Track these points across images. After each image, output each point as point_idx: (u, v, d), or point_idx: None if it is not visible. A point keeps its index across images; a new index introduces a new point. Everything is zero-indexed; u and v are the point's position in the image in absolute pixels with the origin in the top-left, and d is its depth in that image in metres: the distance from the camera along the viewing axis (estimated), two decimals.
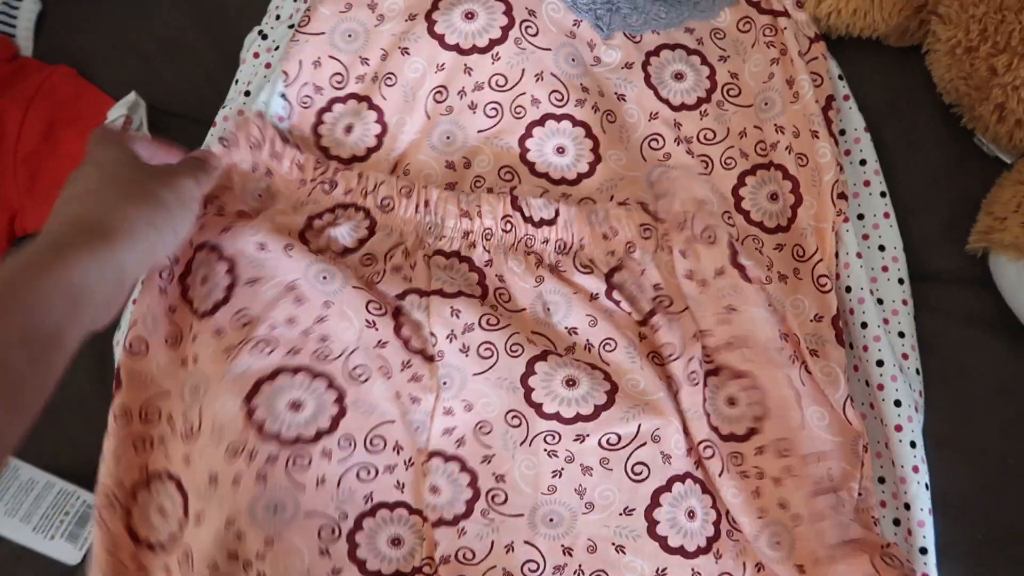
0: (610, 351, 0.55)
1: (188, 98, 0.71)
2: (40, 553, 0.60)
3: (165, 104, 0.71)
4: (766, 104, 0.63)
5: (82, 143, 0.65)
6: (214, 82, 0.70)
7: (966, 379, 0.60)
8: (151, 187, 0.48)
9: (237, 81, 0.68)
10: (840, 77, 0.65)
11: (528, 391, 0.54)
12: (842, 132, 0.64)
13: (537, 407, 0.54)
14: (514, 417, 0.54)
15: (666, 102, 0.63)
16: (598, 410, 0.54)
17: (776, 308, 0.55)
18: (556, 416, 0.54)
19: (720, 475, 0.53)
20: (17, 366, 0.39)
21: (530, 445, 0.54)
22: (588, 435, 0.54)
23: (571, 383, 0.54)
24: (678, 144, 0.63)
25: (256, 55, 0.68)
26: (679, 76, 0.64)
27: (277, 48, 0.67)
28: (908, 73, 0.67)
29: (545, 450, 0.54)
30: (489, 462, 0.55)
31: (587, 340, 0.56)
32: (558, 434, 0.54)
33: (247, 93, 0.66)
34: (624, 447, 0.54)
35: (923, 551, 0.53)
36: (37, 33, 0.74)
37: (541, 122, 0.62)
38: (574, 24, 0.64)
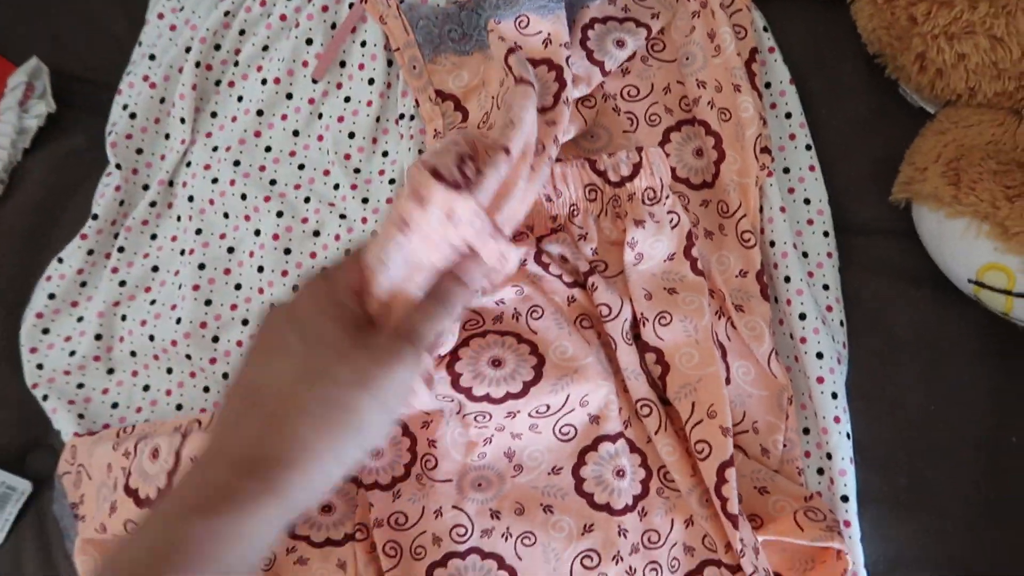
0: (537, 319, 0.54)
1: (92, 62, 0.68)
2: None
3: (69, 69, 0.68)
4: (688, 59, 0.62)
5: None
6: (119, 44, 0.67)
7: (889, 331, 0.60)
8: (347, 373, 0.37)
9: (141, 43, 0.65)
10: (765, 29, 0.64)
11: (455, 377, 0.53)
12: (767, 85, 0.64)
13: (466, 391, 0.53)
14: (447, 398, 0.54)
15: (599, 65, 0.61)
16: (526, 386, 0.53)
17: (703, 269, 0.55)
18: (486, 398, 0.53)
19: (656, 432, 0.53)
20: None
21: (462, 419, 0.54)
22: (519, 411, 0.53)
23: (496, 363, 0.53)
24: (605, 101, 0.61)
25: (160, 15, 0.65)
26: (620, 43, 0.62)
27: (182, 9, 0.64)
28: (833, 24, 0.65)
29: (476, 426, 0.54)
30: (427, 427, 0.54)
31: (514, 309, 0.55)
32: (489, 414, 0.53)
33: (151, 56, 0.63)
34: (553, 414, 0.54)
35: (844, 499, 0.54)
36: None
37: None
38: None
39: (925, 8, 0.56)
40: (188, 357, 0.59)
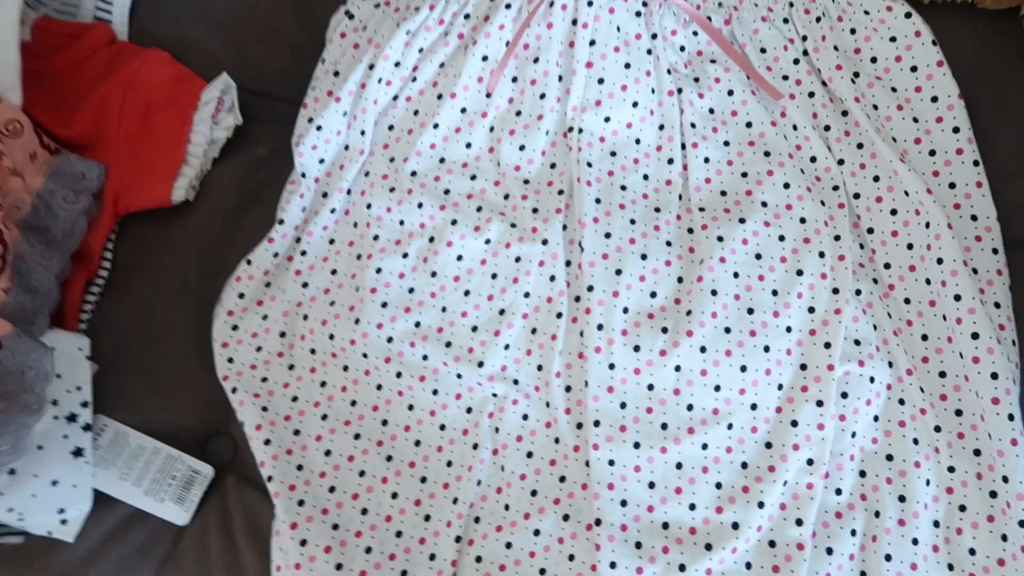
0: None
1: (276, 78, 0.73)
2: (152, 515, 0.63)
3: (254, 85, 0.73)
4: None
5: (177, 126, 0.69)
6: (301, 62, 0.71)
7: None
8: None
9: (323, 60, 0.69)
10: (934, 43, 0.63)
11: None
12: (934, 99, 0.63)
13: None
14: None
15: None
16: None
17: None
18: None
19: None
20: None
21: None
22: None
23: None
24: None
25: (343, 35, 0.69)
26: None
27: (365, 28, 0.69)
28: (1004, 35, 0.64)
29: None
30: None
31: None
32: None
33: (335, 73, 0.67)
34: None
35: (1022, 524, 0.53)
36: (131, 17, 0.76)
37: None
38: None
39: None
40: (364, 356, 0.63)
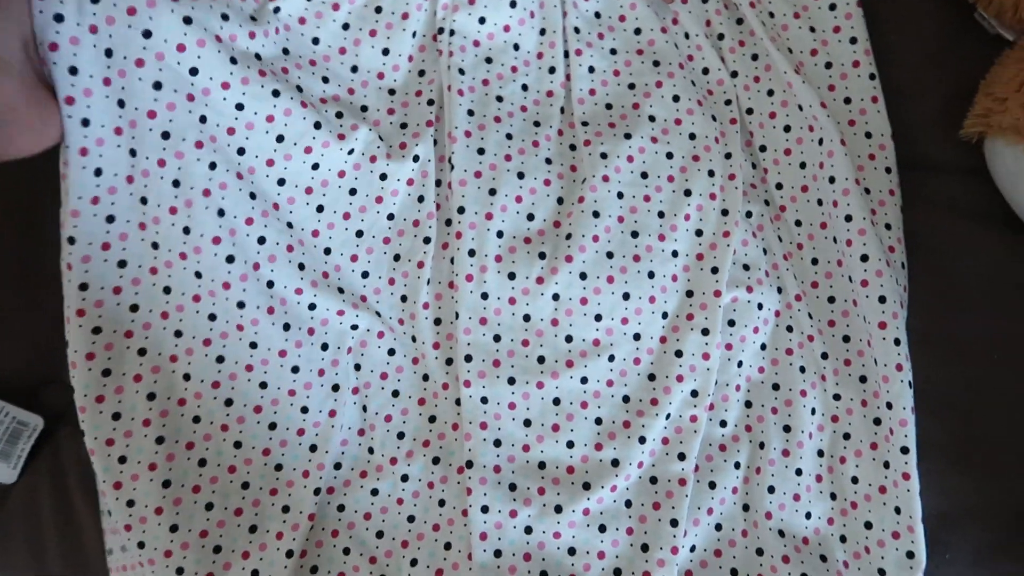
0: None
1: None
2: None
3: None
4: None
5: None
6: None
7: (953, 273, 0.57)
8: None
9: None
10: None
11: None
12: (832, 7, 0.59)
13: None
14: None
15: None
16: None
17: None
18: None
19: None
20: None
21: None
22: None
23: None
24: None
25: None
26: None
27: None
28: None
29: None
30: None
31: None
32: None
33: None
34: None
35: (904, 450, 0.51)
36: None
37: None
38: None
39: None
40: (197, 275, 0.52)
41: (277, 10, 0.56)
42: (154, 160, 0.51)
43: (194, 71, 0.51)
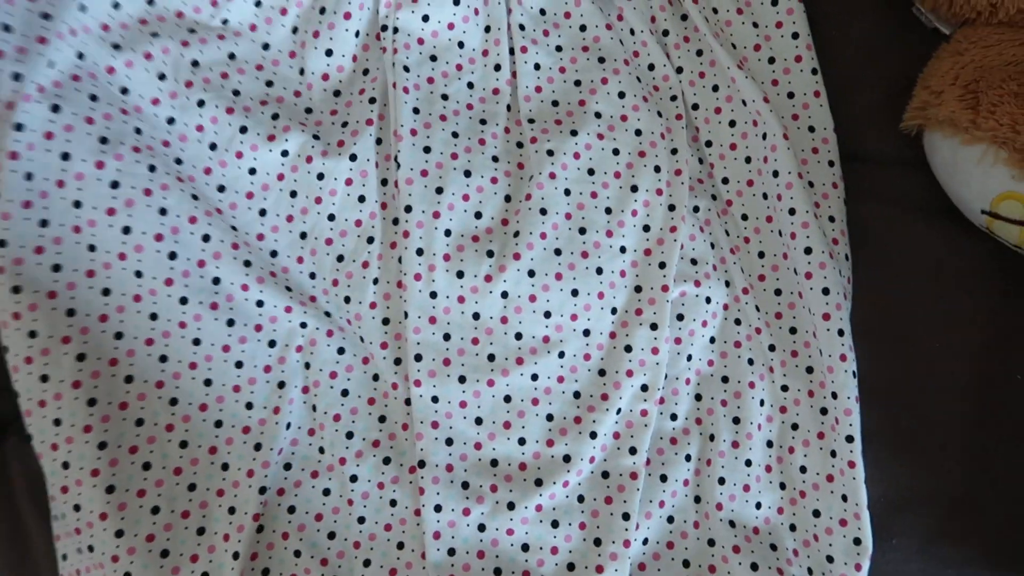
0: None
1: None
2: None
3: None
4: None
5: None
6: None
7: (895, 265, 0.58)
8: None
9: None
10: None
11: None
12: (774, 2, 0.59)
13: None
14: None
15: None
16: None
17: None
18: None
19: None
20: None
21: None
22: None
23: None
24: None
25: None
26: None
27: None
28: None
29: None
30: None
31: None
32: None
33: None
34: None
35: (849, 439, 0.52)
36: None
37: None
38: None
39: None
40: (137, 274, 0.51)
41: (225, 21, 0.56)
42: (92, 162, 0.50)
43: (124, 90, 0.52)
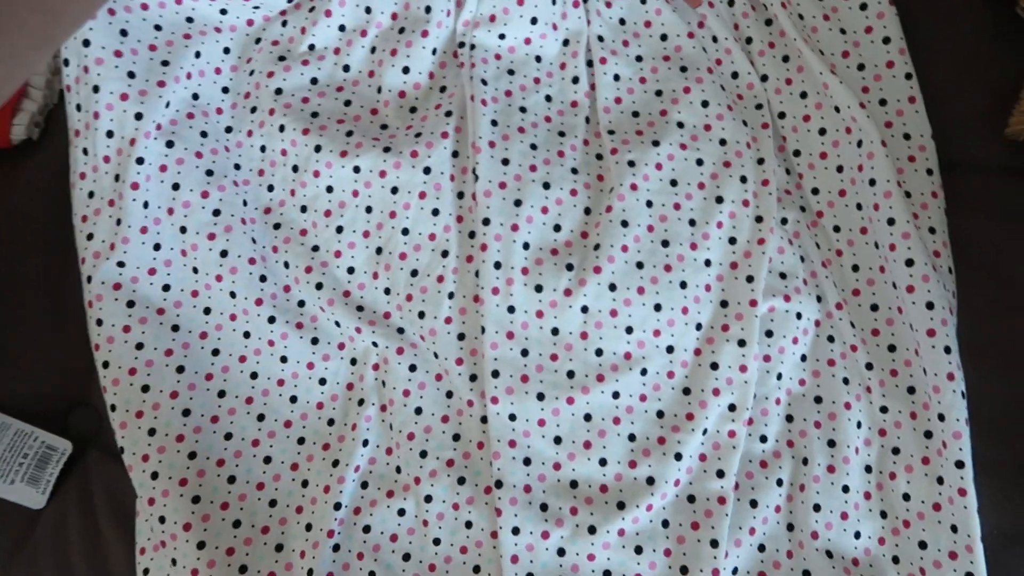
0: None
1: None
2: (1, 499, 0.56)
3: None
4: None
5: None
6: None
7: (1002, 278, 0.54)
8: None
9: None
10: None
11: None
12: (863, 7, 0.57)
13: None
14: None
15: None
16: None
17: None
18: None
19: None
20: None
21: None
22: None
23: None
24: None
25: None
26: None
27: None
28: None
29: None
30: None
31: None
32: None
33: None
34: None
35: (959, 464, 0.48)
36: None
37: None
38: None
39: None
40: (232, 295, 0.55)
41: (312, 47, 0.59)
42: (198, 192, 0.55)
43: (228, 129, 0.58)
